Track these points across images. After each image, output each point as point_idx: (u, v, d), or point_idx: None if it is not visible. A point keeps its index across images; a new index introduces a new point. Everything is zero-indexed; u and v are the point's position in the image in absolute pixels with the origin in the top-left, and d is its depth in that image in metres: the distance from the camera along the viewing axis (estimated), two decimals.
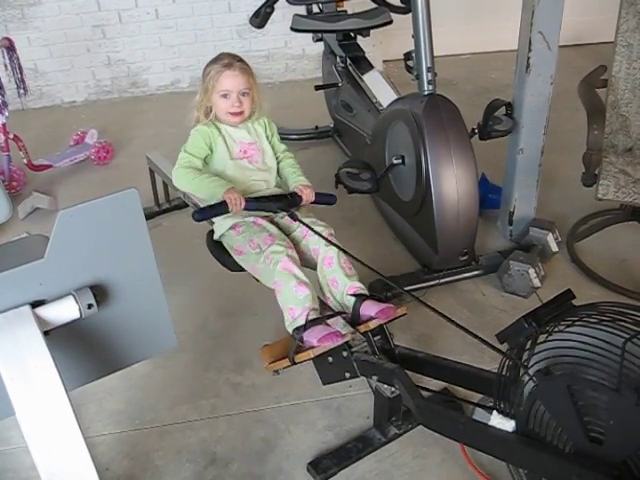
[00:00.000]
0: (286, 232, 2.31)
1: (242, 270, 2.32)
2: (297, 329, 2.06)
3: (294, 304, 2.10)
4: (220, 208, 2.21)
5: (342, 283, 2.18)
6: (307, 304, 2.09)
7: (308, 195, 2.35)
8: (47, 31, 4.62)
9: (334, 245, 2.22)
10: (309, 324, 2.05)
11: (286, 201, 2.32)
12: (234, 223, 2.30)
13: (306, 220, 2.28)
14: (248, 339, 2.55)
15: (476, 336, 1.78)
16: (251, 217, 2.29)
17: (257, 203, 2.27)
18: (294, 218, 2.27)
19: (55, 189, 3.72)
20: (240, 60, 2.36)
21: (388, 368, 1.96)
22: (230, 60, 2.33)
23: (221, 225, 2.35)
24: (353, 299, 2.14)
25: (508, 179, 3.02)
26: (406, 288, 2.66)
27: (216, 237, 2.40)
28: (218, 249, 2.39)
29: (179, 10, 4.72)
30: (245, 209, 2.22)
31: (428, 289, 2.75)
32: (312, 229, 2.24)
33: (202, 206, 2.30)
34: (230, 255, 2.34)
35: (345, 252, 2.21)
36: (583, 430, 1.52)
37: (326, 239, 2.22)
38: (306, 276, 2.15)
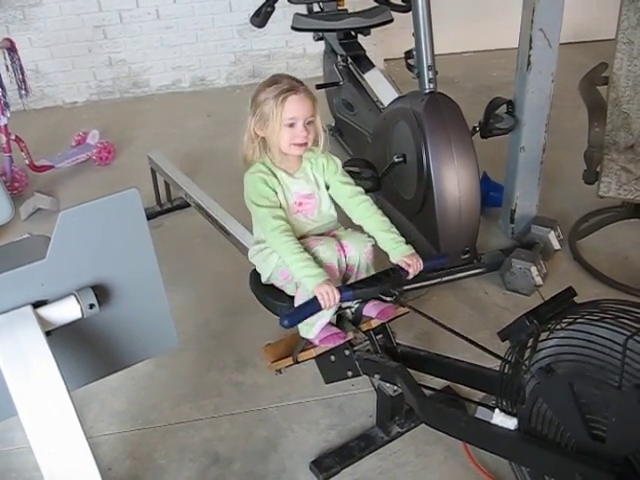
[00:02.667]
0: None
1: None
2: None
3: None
4: (312, 308, 1.88)
5: None
6: (327, 318, 2.03)
7: (416, 267, 1.99)
8: (48, 32, 4.62)
9: (422, 315, 1.97)
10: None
11: (390, 281, 1.97)
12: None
13: (343, 232, 2.11)
14: (250, 338, 2.55)
15: (471, 341, 1.79)
16: (327, 275, 1.93)
17: (354, 292, 1.92)
18: (401, 304, 1.99)
19: (57, 190, 3.72)
20: (301, 83, 2.02)
21: (390, 366, 1.96)
22: (292, 83, 1.99)
23: (267, 263, 2.09)
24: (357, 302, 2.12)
25: (510, 177, 3.02)
26: (407, 287, 2.68)
27: (265, 280, 2.13)
28: (269, 293, 2.12)
29: (180, 10, 4.72)
30: (341, 301, 1.91)
31: (430, 287, 2.75)
32: (420, 312, 1.96)
33: (289, 310, 1.94)
34: (283, 301, 2.09)
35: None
36: (585, 427, 1.51)
37: (420, 312, 1.96)
38: None
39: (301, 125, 1.98)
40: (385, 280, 1.97)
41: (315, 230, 2.13)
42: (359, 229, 2.12)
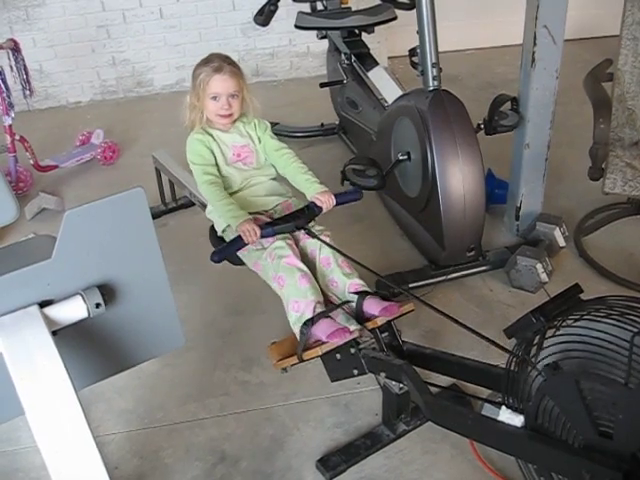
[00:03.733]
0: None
1: (244, 264, 2.34)
2: (305, 324, 2.05)
3: (298, 296, 2.10)
4: (236, 244, 2.18)
5: (342, 282, 2.18)
6: (311, 297, 2.09)
7: (328, 202, 2.27)
8: (52, 32, 4.63)
9: (331, 247, 2.21)
10: (317, 317, 2.04)
11: (304, 216, 2.24)
12: None
13: (297, 202, 2.33)
14: (256, 337, 2.56)
15: (480, 334, 1.78)
16: (250, 215, 2.22)
17: (274, 228, 2.19)
18: (311, 235, 2.22)
19: (62, 189, 3.73)
20: (230, 63, 2.35)
21: (396, 364, 1.95)
22: (220, 63, 2.32)
23: (221, 222, 2.35)
24: (355, 297, 2.14)
25: (515, 174, 3.01)
26: (412, 285, 2.69)
27: (220, 233, 2.39)
28: (221, 244, 2.35)
29: (183, 9, 4.72)
30: (262, 237, 2.17)
31: (435, 285, 2.75)
32: (325, 242, 2.21)
33: (218, 247, 2.25)
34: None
35: (342, 254, 2.20)
36: (592, 425, 1.51)
37: (324, 242, 2.21)
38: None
39: (224, 99, 2.32)
40: (300, 216, 2.24)
41: (259, 178, 2.38)
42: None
